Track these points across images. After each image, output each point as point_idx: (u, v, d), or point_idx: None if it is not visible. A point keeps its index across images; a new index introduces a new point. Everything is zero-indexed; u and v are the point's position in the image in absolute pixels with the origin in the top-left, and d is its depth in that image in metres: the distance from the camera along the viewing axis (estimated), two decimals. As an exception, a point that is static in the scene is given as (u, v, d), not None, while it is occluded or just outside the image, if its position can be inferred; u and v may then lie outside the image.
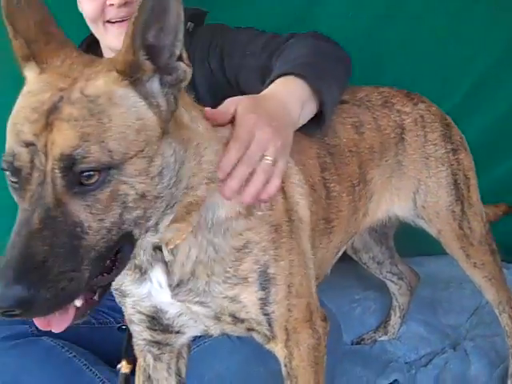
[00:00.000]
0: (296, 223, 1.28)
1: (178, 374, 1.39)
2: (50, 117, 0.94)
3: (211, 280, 1.19)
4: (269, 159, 1.14)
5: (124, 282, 1.26)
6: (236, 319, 1.24)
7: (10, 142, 0.97)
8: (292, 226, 1.26)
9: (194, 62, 1.82)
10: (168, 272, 1.20)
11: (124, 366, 1.51)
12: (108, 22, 1.70)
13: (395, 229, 2.13)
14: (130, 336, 1.43)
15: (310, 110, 1.37)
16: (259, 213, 1.20)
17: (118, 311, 1.87)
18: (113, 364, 1.74)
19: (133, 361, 1.46)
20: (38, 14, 1.06)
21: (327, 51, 1.52)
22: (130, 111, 0.97)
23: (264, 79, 1.49)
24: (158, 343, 1.35)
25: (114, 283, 1.11)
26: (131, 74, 0.98)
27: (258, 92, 1.38)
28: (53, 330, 0.99)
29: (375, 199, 1.62)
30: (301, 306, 1.27)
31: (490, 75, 2.37)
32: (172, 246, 1.16)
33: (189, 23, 1.85)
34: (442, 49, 2.30)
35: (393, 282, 2.23)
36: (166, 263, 1.19)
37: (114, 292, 1.31)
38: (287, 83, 1.34)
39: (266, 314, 1.23)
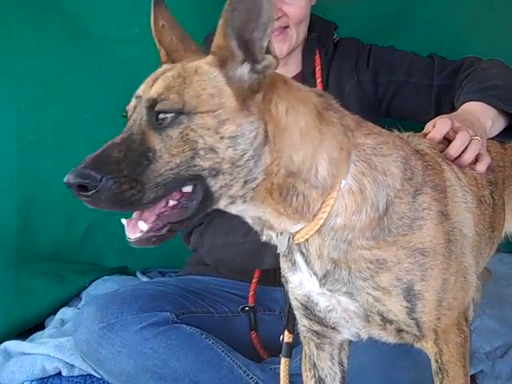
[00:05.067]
0: (458, 242, 1.36)
1: (341, 363, 1.50)
2: (155, 80, 1.23)
3: (351, 273, 1.28)
4: (477, 138, 1.49)
5: (284, 269, 1.40)
6: (385, 319, 1.32)
7: None
8: (451, 246, 1.33)
9: (342, 73, 1.96)
10: (307, 262, 1.31)
11: (286, 336, 1.58)
12: None
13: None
14: (290, 308, 1.53)
15: (499, 124, 1.66)
16: (388, 238, 1.27)
17: (232, 300, 2.00)
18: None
19: (293, 331, 1.57)
20: (177, 32, 1.37)
21: (510, 76, 1.80)
22: (208, 80, 1.20)
23: (438, 97, 1.88)
24: (316, 333, 1.45)
25: (281, 269, 1.38)
26: (220, 55, 1.21)
27: (419, 108, 1.82)
28: (127, 233, 1.18)
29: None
30: (452, 316, 1.36)
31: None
32: (298, 242, 1.28)
33: (335, 35, 1.97)
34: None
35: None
36: (302, 254, 1.31)
37: (282, 279, 1.43)
38: (476, 106, 1.64)
39: (413, 319, 1.32)
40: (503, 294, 2.58)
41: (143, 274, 2.66)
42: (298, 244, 1.29)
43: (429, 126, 1.55)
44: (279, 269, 1.45)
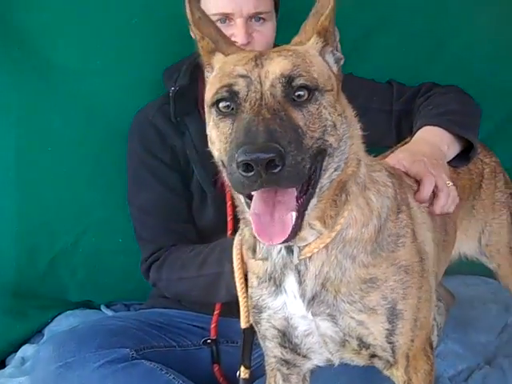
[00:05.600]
0: (426, 261, 1.41)
1: None
2: (257, 60, 1.21)
3: (338, 297, 1.31)
4: (450, 184, 1.54)
5: (262, 296, 1.40)
6: (363, 343, 1.34)
7: (224, 81, 1.21)
8: (423, 265, 1.38)
9: None
10: (300, 282, 1.32)
11: (243, 372, 1.58)
12: None
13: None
14: (245, 343, 1.55)
15: (454, 149, 1.72)
16: (383, 253, 1.33)
17: (195, 333, 1.98)
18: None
19: (249, 366, 1.58)
20: (213, 24, 1.38)
21: (466, 102, 1.87)
22: (321, 62, 1.28)
23: (398, 121, 1.96)
24: (287, 362, 1.46)
25: (253, 298, 1.39)
26: (324, 36, 1.28)
27: (380, 133, 1.89)
28: (273, 243, 1.16)
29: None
30: (422, 337, 1.40)
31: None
32: (304, 257, 1.29)
33: None
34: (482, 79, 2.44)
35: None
36: (298, 272, 1.32)
37: (252, 310, 1.43)
38: (433, 131, 1.71)
39: (390, 343, 1.35)
40: (467, 317, 2.61)
41: (108, 307, 2.62)
42: (299, 261, 1.30)
43: (393, 159, 1.58)
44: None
